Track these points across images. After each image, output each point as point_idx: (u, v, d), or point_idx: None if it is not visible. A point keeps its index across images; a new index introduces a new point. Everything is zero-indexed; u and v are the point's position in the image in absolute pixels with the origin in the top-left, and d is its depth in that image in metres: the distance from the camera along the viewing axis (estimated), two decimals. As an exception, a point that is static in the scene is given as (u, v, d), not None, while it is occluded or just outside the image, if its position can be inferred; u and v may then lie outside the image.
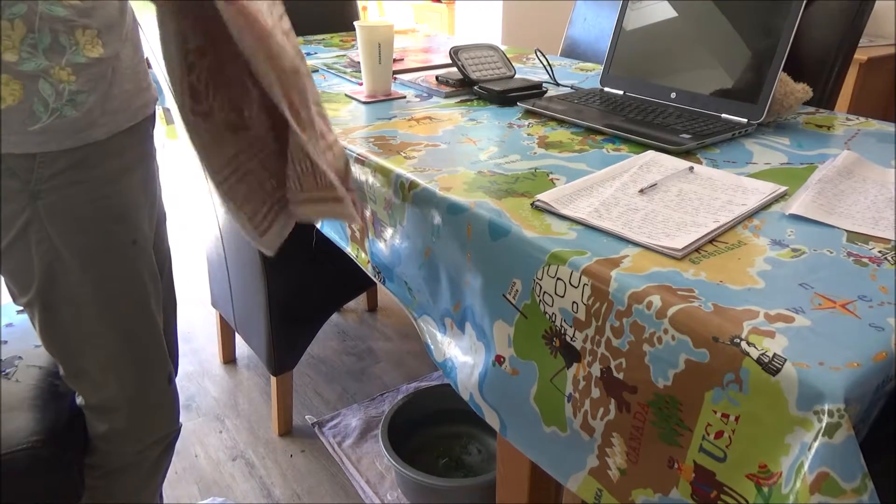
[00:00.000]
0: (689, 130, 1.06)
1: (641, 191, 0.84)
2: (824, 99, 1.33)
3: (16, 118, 0.73)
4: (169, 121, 1.47)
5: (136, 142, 0.88)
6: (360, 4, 2.63)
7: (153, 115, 0.95)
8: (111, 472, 1.02)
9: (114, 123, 0.81)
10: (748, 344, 0.56)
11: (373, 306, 2.22)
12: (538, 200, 0.81)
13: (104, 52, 0.77)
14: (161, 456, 1.06)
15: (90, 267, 0.85)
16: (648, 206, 0.80)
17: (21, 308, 0.89)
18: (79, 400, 1.00)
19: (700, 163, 0.96)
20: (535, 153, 1.01)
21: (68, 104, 0.75)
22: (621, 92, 1.30)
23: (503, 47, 1.65)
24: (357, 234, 1.11)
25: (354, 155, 1.02)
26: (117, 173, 0.84)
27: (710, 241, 0.73)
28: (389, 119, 1.20)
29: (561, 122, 1.17)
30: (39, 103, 0.73)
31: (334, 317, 2.16)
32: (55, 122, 0.75)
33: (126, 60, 0.81)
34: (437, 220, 0.87)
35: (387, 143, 1.06)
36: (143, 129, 0.89)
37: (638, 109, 1.18)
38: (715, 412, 0.58)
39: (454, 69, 1.41)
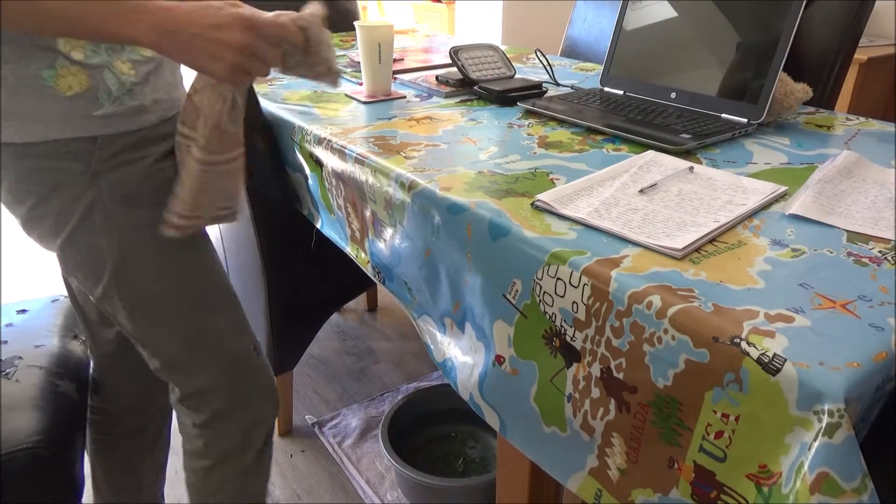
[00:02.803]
0: (689, 130, 1.06)
1: (641, 191, 0.84)
2: (824, 99, 1.33)
3: (82, 104, 0.79)
4: None
5: (175, 129, 0.94)
6: (360, 4, 2.63)
7: None
8: (216, 465, 1.01)
9: (161, 111, 0.89)
10: (748, 344, 0.56)
11: (373, 306, 2.22)
12: (538, 200, 0.81)
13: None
14: (263, 449, 1.04)
15: (157, 241, 0.88)
16: (648, 206, 0.80)
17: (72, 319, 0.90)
18: (174, 396, 1.00)
19: (700, 163, 0.96)
20: (535, 153, 1.01)
21: (127, 94, 0.83)
22: (621, 92, 1.30)
23: (503, 47, 1.65)
24: (357, 234, 1.11)
25: (354, 155, 1.02)
26: (164, 154, 0.90)
27: (710, 241, 0.73)
28: (389, 119, 1.20)
29: (561, 122, 1.17)
30: (104, 92, 0.81)
31: (334, 317, 2.16)
32: (116, 108, 0.82)
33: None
34: (437, 220, 0.87)
35: (387, 143, 1.06)
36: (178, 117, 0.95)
37: (638, 109, 1.18)
38: (715, 412, 0.58)
39: (454, 69, 1.41)
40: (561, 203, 0.81)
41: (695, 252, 0.70)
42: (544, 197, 0.82)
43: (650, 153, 0.97)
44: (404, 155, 1.00)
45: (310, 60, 0.82)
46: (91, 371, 1.16)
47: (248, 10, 0.74)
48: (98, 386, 1.15)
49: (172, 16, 0.71)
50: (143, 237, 0.88)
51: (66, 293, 1.29)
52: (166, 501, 1.34)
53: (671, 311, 0.61)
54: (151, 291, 0.90)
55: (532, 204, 0.82)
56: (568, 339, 0.72)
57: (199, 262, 0.95)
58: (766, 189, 0.84)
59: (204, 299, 0.95)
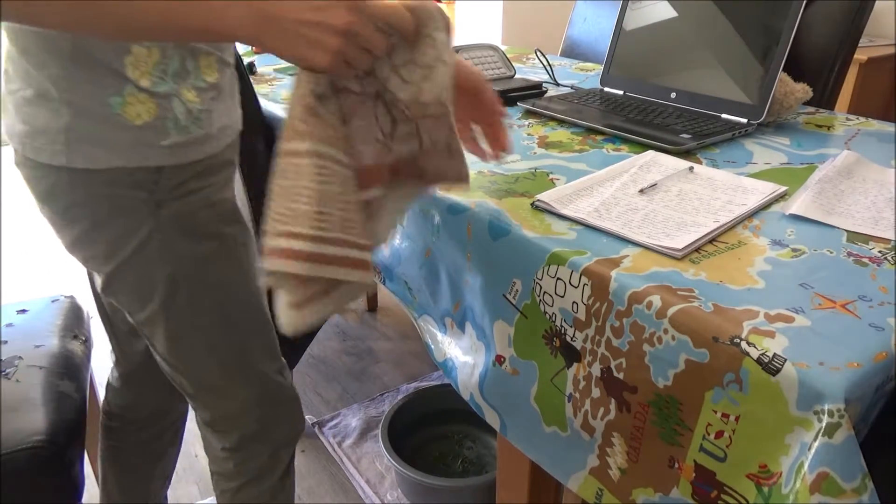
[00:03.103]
0: (689, 130, 1.06)
1: (641, 191, 0.84)
2: (824, 99, 1.33)
3: (150, 133, 0.77)
4: None
5: (236, 152, 0.92)
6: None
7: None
8: (244, 486, 1.01)
9: (224, 136, 0.86)
10: (748, 344, 0.56)
11: (373, 306, 2.22)
12: (538, 200, 0.81)
13: (218, 76, 0.82)
14: (291, 460, 1.05)
15: (209, 272, 0.86)
16: (648, 206, 0.80)
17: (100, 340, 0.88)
18: (200, 419, 0.98)
19: (700, 163, 0.96)
20: (535, 153, 1.01)
21: (194, 123, 0.80)
22: (621, 92, 1.30)
23: (503, 47, 1.65)
24: (357, 234, 1.11)
25: (354, 155, 1.02)
26: (226, 181, 0.88)
27: (710, 241, 0.73)
28: (389, 119, 1.20)
29: (561, 122, 1.17)
30: (171, 121, 0.78)
31: (334, 317, 2.16)
32: (183, 138, 0.79)
33: (228, 79, 0.86)
34: (437, 220, 0.87)
35: (387, 143, 1.06)
36: (238, 140, 0.94)
37: (638, 109, 1.18)
38: (715, 412, 0.58)
39: (454, 69, 1.41)
40: (561, 203, 0.81)
41: (695, 252, 0.71)
42: (544, 197, 0.82)
43: (650, 153, 0.97)
44: (404, 155, 1.00)
45: (420, 59, 0.67)
46: (112, 378, 1.15)
47: None
48: (119, 394, 1.15)
49: (268, 3, 0.63)
50: (197, 269, 0.85)
51: (65, 293, 1.30)
52: (168, 502, 1.34)
53: (671, 311, 0.61)
54: (198, 322, 0.88)
55: (532, 204, 0.82)
56: (568, 339, 0.72)
57: (247, 289, 0.92)
58: (766, 189, 0.84)
59: (245, 327, 0.93)
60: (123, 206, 0.79)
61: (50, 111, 0.74)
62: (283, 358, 1.01)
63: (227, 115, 0.87)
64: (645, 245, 0.72)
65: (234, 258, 0.90)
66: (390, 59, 0.68)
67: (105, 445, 1.19)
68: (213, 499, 1.45)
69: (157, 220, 0.81)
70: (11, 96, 0.78)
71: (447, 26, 0.68)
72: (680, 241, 0.71)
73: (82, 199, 0.79)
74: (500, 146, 0.84)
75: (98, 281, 0.87)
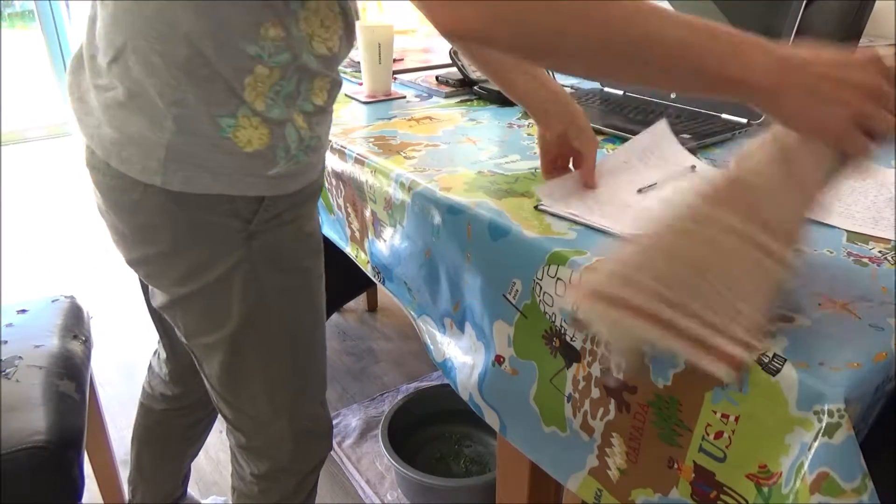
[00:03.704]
0: (689, 130, 1.06)
1: (640, 191, 0.84)
2: (824, 99, 1.33)
3: (258, 162, 0.71)
4: None
5: (323, 176, 0.88)
6: (360, 4, 2.63)
7: None
8: None
9: (321, 164, 0.82)
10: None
11: (373, 306, 2.22)
12: (541, 204, 0.81)
13: (327, 98, 0.77)
14: (315, 483, 1.02)
15: (288, 306, 0.82)
16: (642, 203, 0.80)
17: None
18: (236, 441, 0.94)
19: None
20: (535, 153, 1.01)
21: (304, 151, 0.75)
22: (621, 92, 1.30)
23: (503, 47, 1.65)
24: (357, 235, 1.11)
25: (354, 155, 1.02)
26: (313, 210, 0.85)
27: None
28: (389, 119, 1.20)
29: (561, 122, 1.16)
30: (282, 149, 0.72)
31: (334, 317, 2.16)
32: (289, 167, 0.74)
33: (333, 101, 0.82)
34: (437, 220, 0.87)
35: (387, 143, 1.06)
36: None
37: (638, 109, 1.18)
38: (714, 412, 0.58)
39: (454, 69, 1.41)
40: (557, 200, 0.81)
41: (695, 252, 0.70)
42: (541, 192, 0.82)
43: (662, 124, 0.96)
44: (404, 155, 1.00)
45: None
46: (159, 370, 1.15)
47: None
48: (165, 385, 1.15)
49: (793, 53, 0.54)
50: (275, 303, 0.80)
51: (65, 293, 1.30)
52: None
53: (671, 311, 0.61)
54: (262, 357, 0.84)
55: (536, 207, 0.82)
56: (568, 338, 0.72)
57: (315, 324, 0.88)
58: None
59: (307, 365, 0.89)
60: (213, 235, 0.74)
61: (149, 121, 0.68)
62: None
63: (325, 143, 0.81)
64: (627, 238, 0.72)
65: (311, 292, 0.86)
66: None
67: (143, 425, 1.19)
68: (213, 499, 1.45)
69: (248, 251, 0.75)
70: (98, 91, 0.71)
71: None
72: None
73: (167, 222, 0.72)
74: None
75: (158, 296, 0.82)
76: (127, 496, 1.28)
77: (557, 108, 0.85)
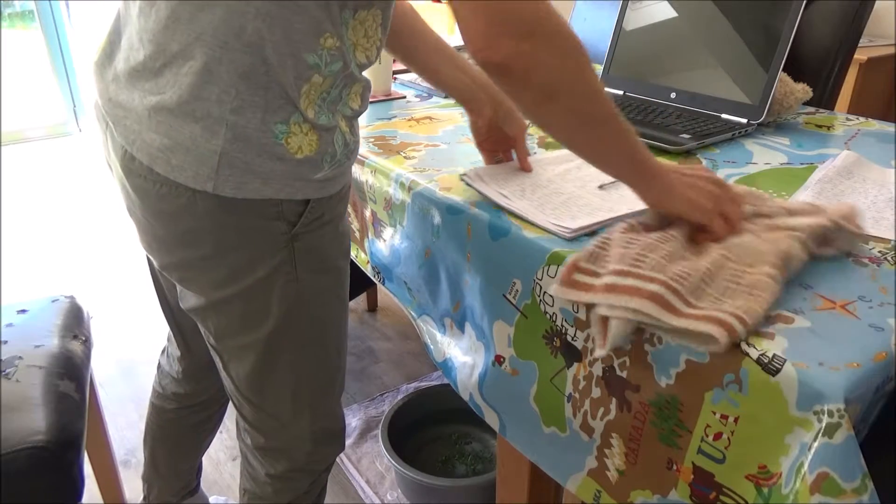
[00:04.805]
0: (689, 130, 1.06)
1: (601, 187, 0.86)
2: (824, 99, 1.33)
3: (307, 167, 0.72)
4: None
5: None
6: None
7: None
8: None
9: (354, 165, 0.84)
10: (748, 344, 0.56)
11: (373, 306, 2.22)
12: (465, 176, 0.86)
13: (361, 103, 0.78)
14: (322, 491, 1.03)
15: (321, 305, 0.83)
16: (575, 192, 0.82)
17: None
18: (254, 442, 0.93)
19: (700, 163, 0.96)
20: (535, 153, 1.01)
21: (347, 154, 0.76)
22: (621, 92, 1.30)
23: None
24: (357, 235, 1.11)
25: (354, 155, 1.02)
26: (345, 210, 0.85)
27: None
28: (389, 119, 1.20)
29: (561, 122, 1.16)
30: (329, 154, 0.74)
31: (334, 317, 2.16)
32: (333, 170, 0.75)
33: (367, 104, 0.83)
34: (437, 220, 0.87)
35: (387, 143, 1.06)
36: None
37: (638, 109, 1.18)
38: (714, 413, 0.58)
39: (454, 69, 1.41)
40: (484, 178, 0.85)
41: (695, 252, 0.70)
42: (471, 171, 0.87)
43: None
44: (404, 155, 1.00)
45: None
46: (170, 370, 1.15)
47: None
48: (178, 384, 1.15)
49: (673, 178, 0.72)
50: (310, 304, 0.81)
51: (65, 293, 1.30)
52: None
53: (671, 311, 0.61)
54: (294, 357, 0.84)
55: (460, 177, 0.86)
56: (569, 338, 0.72)
57: (342, 324, 0.89)
58: None
59: (333, 364, 0.90)
60: (258, 238, 0.74)
61: (203, 128, 0.67)
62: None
63: (359, 140, 0.83)
64: (538, 224, 0.75)
65: (342, 290, 0.86)
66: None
67: (156, 424, 1.20)
68: (213, 498, 1.45)
69: (291, 253, 0.76)
70: (142, 95, 0.70)
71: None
72: (579, 222, 0.74)
73: (212, 226, 0.73)
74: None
75: (190, 299, 0.81)
76: (142, 492, 1.28)
77: (484, 95, 0.90)
